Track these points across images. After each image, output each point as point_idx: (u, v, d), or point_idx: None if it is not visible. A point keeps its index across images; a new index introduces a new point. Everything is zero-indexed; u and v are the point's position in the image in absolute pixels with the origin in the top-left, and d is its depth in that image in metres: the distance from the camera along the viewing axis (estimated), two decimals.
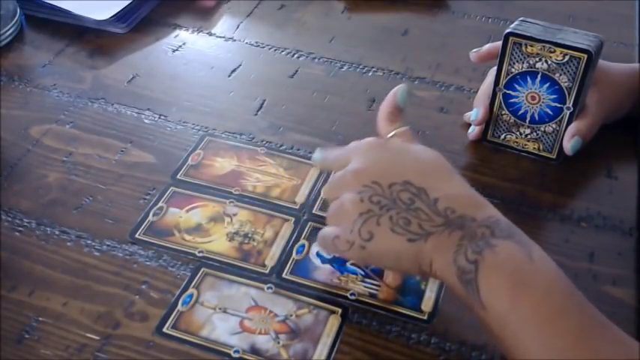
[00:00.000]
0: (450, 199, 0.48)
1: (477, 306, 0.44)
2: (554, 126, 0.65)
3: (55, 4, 0.83)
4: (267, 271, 0.56)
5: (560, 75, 0.62)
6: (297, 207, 0.61)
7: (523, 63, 0.63)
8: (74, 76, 0.77)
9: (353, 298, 0.54)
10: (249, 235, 0.59)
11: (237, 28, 0.86)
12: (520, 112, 0.66)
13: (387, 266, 0.53)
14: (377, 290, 0.55)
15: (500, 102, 0.66)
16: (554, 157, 0.67)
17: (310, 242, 0.58)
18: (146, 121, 0.71)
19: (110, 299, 0.53)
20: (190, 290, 0.54)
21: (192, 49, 0.82)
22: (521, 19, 0.64)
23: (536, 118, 0.65)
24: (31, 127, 0.70)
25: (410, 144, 0.53)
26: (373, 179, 0.49)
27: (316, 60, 0.80)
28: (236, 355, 0.50)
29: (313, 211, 0.61)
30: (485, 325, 0.45)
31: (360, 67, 0.79)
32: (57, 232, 0.59)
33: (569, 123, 0.64)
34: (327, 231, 0.51)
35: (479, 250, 0.44)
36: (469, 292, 0.44)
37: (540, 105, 0.64)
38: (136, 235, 0.58)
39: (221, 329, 0.51)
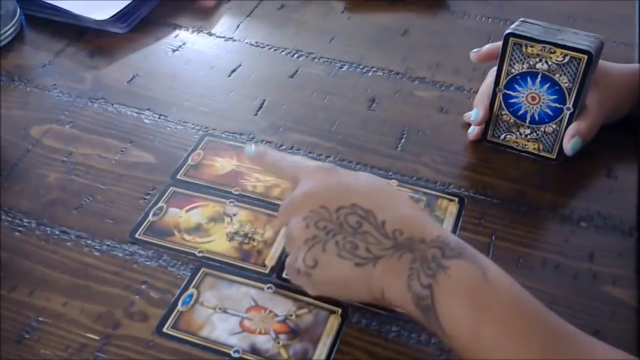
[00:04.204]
0: (397, 220, 0.47)
1: (439, 331, 0.44)
2: (554, 126, 0.65)
3: (55, 4, 0.83)
4: (267, 271, 0.56)
5: (561, 75, 0.62)
6: None
7: (523, 63, 0.63)
8: (74, 76, 0.77)
9: None
10: (249, 235, 0.59)
11: (237, 28, 0.86)
12: (520, 113, 0.66)
13: (337, 294, 0.51)
14: None
15: (500, 102, 0.66)
16: (554, 157, 0.67)
17: None
18: (146, 121, 0.71)
19: (110, 299, 0.53)
20: (190, 290, 0.54)
21: (192, 49, 0.82)
22: (521, 19, 0.64)
23: (536, 118, 0.65)
24: (31, 127, 0.70)
25: (354, 171, 0.54)
26: (321, 203, 0.48)
27: (316, 60, 0.80)
28: (236, 355, 0.50)
29: None
30: (448, 345, 0.45)
31: (360, 67, 0.79)
32: (57, 232, 0.59)
33: (569, 123, 0.64)
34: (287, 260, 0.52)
35: (432, 273, 0.43)
36: (429, 319, 0.44)
37: (540, 105, 0.64)
38: (136, 235, 0.58)
39: (221, 329, 0.51)
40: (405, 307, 0.45)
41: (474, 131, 0.69)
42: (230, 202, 0.62)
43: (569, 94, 0.63)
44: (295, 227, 0.49)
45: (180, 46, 0.82)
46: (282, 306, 0.53)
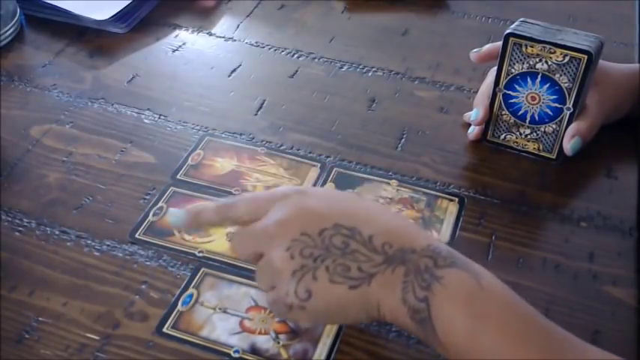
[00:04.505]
0: (384, 233, 0.45)
1: (434, 342, 0.43)
2: (554, 126, 0.65)
3: (55, 4, 0.83)
4: None
5: (561, 75, 0.62)
6: None
7: (523, 63, 0.63)
8: (74, 76, 0.77)
9: None
10: None
11: (237, 28, 0.86)
12: (520, 113, 0.66)
13: (333, 321, 0.50)
14: None
15: (500, 102, 0.66)
16: (554, 157, 0.67)
17: None
18: (146, 121, 0.71)
19: (110, 299, 0.53)
20: (190, 290, 0.54)
21: (192, 49, 0.82)
22: (521, 19, 0.64)
23: (536, 118, 0.65)
24: (31, 127, 0.70)
25: (323, 188, 0.50)
26: (301, 230, 0.45)
27: (316, 60, 0.80)
28: (236, 355, 0.50)
29: None
30: (443, 355, 0.44)
31: (360, 67, 0.79)
32: (57, 232, 0.59)
33: (569, 123, 0.64)
34: (267, 297, 0.48)
35: (426, 285, 0.42)
36: (425, 331, 0.43)
37: (540, 105, 0.64)
38: (136, 235, 0.58)
39: (221, 329, 0.51)
40: (400, 320, 0.44)
41: (474, 131, 0.69)
42: None
43: (569, 94, 0.63)
44: (278, 260, 0.46)
45: (180, 46, 0.82)
46: None
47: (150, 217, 0.60)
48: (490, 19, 0.88)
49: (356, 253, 0.45)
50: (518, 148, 0.68)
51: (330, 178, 0.64)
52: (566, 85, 0.62)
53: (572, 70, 0.61)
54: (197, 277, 0.55)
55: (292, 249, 0.45)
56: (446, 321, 0.42)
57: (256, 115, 0.72)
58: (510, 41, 0.62)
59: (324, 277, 0.44)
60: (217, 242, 0.58)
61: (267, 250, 0.47)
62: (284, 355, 0.50)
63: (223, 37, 0.84)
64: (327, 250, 0.45)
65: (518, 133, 0.67)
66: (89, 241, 0.58)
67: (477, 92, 0.70)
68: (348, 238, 0.45)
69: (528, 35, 0.61)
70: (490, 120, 0.67)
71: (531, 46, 0.61)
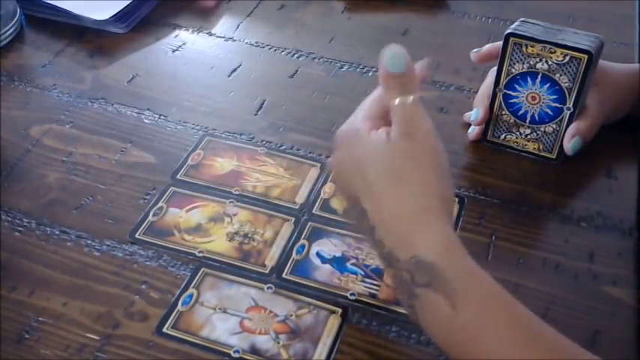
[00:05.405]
0: (384, 225, 0.45)
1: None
2: (554, 126, 0.65)
3: (55, 4, 0.83)
4: (267, 271, 0.56)
5: (561, 75, 0.62)
6: (297, 207, 0.61)
7: (523, 63, 0.63)
8: (74, 76, 0.77)
9: (353, 298, 0.54)
10: (249, 235, 0.59)
11: (237, 28, 0.86)
12: (520, 113, 0.66)
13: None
14: (377, 290, 0.55)
15: (501, 102, 0.66)
16: (554, 157, 0.67)
17: (310, 242, 0.58)
18: (146, 121, 0.71)
19: (110, 299, 0.53)
20: (190, 290, 0.54)
21: (192, 49, 0.82)
22: (521, 19, 0.64)
23: (537, 118, 0.65)
24: (31, 127, 0.70)
25: (376, 145, 0.46)
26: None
27: (316, 60, 0.80)
28: (236, 355, 0.50)
29: (313, 211, 0.61)
30: None
31: (360, 67, 0.79)
32: (57, 232, 0.59)
33: (569, 123, 0.64)
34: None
35: (411, 295, 0.44)
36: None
37: (540, 105, 0.64)
38: (136, 235, 0.58)
39: (221, 329, 0.51)
40: None
41: (474, 131, 0.69)
42: (230, 202, 0.62)
43: (569, 94, 0.63)
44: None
45: (180, 46, 0.82)
46: (282, 306, 0.53)
47: (150, 217, 0.60)
48: (490, 19, 0.88)
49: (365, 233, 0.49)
50: (518, 148, 0.68)
51: (330, 178, 0.64)
52: (567, 85, 0.62)
53: (573, 70, 0.61)
54: (197, 277, 0.55)
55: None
56: (429, 334, 0.45)
57: (256, 115, 0.72)
58: (510, 41, 0.62)
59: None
60: (217, 242, 0.58)
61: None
62: (284, 355, 0.50)
63: (223, 37, 0.84)
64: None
65: (518, 133, 0.67)
66: (89, 241, 0.58)
67: (477, 92, 0.70)
68: (362, 217, 0.47)
69: (528, 35, 0.61)
70: (490, 120, 0.67)
71: (531, 46, 0.61)
